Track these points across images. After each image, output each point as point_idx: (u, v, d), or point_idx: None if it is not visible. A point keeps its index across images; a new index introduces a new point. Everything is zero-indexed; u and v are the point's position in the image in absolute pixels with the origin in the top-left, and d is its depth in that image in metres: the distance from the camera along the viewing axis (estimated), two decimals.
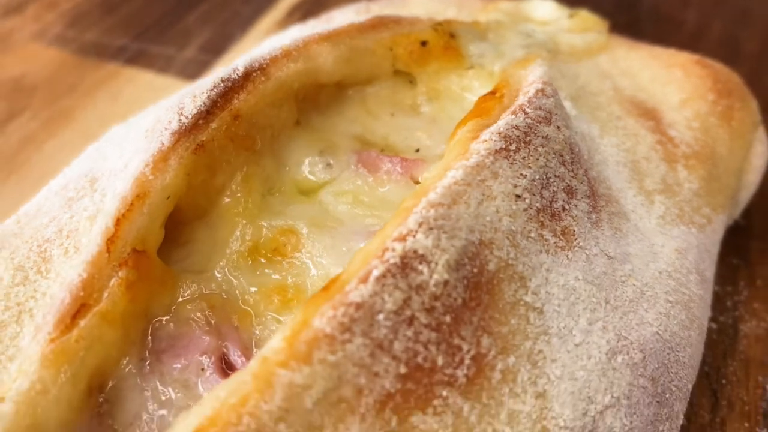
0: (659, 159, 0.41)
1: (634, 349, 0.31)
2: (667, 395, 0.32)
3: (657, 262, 0.35)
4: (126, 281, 0.30)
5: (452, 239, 0.28)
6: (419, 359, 0.27)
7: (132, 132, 0.39)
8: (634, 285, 0.33)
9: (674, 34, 0.51)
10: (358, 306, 0.26)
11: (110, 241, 0.30)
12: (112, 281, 0.30)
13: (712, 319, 0.46)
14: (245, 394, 0.25)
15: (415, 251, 0.28)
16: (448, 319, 0.27)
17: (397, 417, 0.26)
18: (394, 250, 0.28)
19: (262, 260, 0.34)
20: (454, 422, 0.27)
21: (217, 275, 0.33)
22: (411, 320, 0.27)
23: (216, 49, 0.68)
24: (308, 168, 0.38)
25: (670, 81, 0.46)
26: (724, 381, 0.43)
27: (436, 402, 0.27)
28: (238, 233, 0.35)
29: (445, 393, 0.27)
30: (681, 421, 0.34)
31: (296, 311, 0.28)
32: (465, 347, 0.28)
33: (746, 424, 0.41)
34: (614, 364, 0.30)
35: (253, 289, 0.33)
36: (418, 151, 0.39)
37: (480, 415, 0.27)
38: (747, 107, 0.47)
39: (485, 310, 0.29)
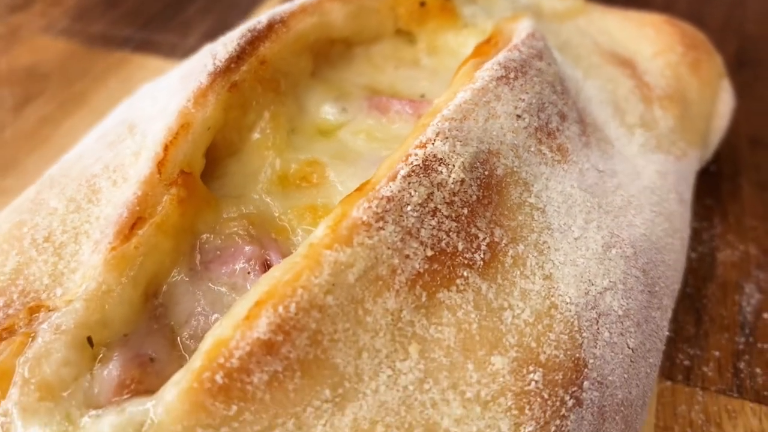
0: (637, 100, 0.46)
1: (626, 244, 0.35)
2: (657, 288, 0.36)
3: (641, 180, 0.40)
4: (177, 197, 0.33)
5: (465, 146, 0.33)
6: (443, 244, 0.31)
7: (163, 84, 0.43)
8: (622, 195, 0.38)
9: (643, 9, 0.56)
10: (389, 199, 0.30)
11: (160, 164, 0.34)
12: (164, 198, 0.33)
13: (692, 249, 0.51)
14: (298, 271, 0.29)
15: (434, 155, 0.32)
16: (465, 211, 0.32)
17: (426, 293, 0.30)
18: (416, 155, 0.32)
19: (292, 187, 0.38)
20: (475, 298, 0.31)
21: (254, 198, 0.37)
22: (434, 212, 0.31)
23: (218, 36, 0.72)
24: (325, 112, 0.42)
25: (643, 37, 0.51)
26: (705, 301, 0.48)
27: (458, 281, 0.31)
28: (268, 165, 0.38)
29: (465, 274, 0.31)
30: (669, 316, 0.38)
31: (334, 209, 0.31)
32: (481, 236, 0.32)
33: (726, 335, 0.46)
34: (609, 255, 0.34)
35: (286, 210, 0.36)
36: (423, 96, 0.44)
37: (496, 292, 0.31)
38: (712, 59, 0.53)
39: (496, 207, 0.33)
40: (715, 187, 0.56)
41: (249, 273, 0.34)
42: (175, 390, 0.27)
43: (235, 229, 0.35)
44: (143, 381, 0.29)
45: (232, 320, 0.28)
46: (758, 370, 0.44)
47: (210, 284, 0.33)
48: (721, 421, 0.41)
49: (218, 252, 0.34)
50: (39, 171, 0.43)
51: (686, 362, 0.44)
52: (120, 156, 0.38)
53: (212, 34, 0.73)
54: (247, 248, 0.34)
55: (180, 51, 0.70)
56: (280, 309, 0.28)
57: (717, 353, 0.45)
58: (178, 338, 0.32)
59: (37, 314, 0.31)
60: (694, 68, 0.51)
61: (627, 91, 0.46)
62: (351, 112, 0.42)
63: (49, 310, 0.31)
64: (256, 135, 0.39)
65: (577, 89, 0.43)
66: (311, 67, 0.43)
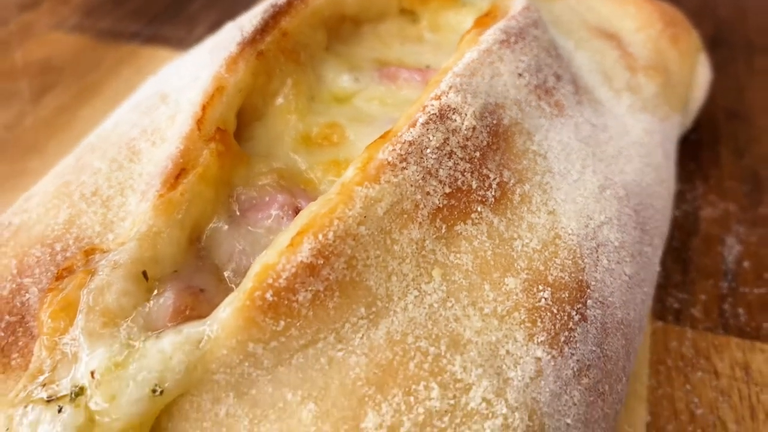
0: (623, 68, 0.50)
1: (618, 187, 0.39)
2: (647, 227, 0.40)
3: (629, 135, 0.44)
4: (215, 151, 0.37)
5: (475, 98, 0.37)
6: (458, 183, 0.35)
7: (189, 60, 0.46)
8: (613, 146, 0.42)
9: None
10: (411, 143, 0.34)
11: (199, 122, 0.37)
12: (204, 152, 0.37)
13: (677, 207, 0.55)
14: (333, 206, 0.32)
15: (448, 105, 0.36)
16: (477, 155, 0.35)
17: (445, 225, 0.34)
18: (432, 105, 0.36)
19: (315, 146, 0.41)
20: (488, 230, 0.35)
21: (281, 156, 0.40)
22: (450, 154, 0.35)
23: None
24: (340, 81, 0.45)
25: (625, 14, 0.56)
26: (690, 252, 0.52)
27: (473, 215, 0.35)
28: (292, 128, 0.42)
29: (479, 209, 0.35)
30: (659, 255, 0.42)
31: (361, 153, 0.35)
32: (491, 176, 0.36)
33: (711, 281, 0.50)
34: (605, 196, 0.38)
35: (312, 165, 0.40)
36: (428, 67, 0.47)
37: (507, 225, 0.35)
38: (690, 35, 0.57)
39: (503, 152, 0.37)
40: (696, 154, 0.60)
41: (282, 218, 0.37)
42: (229, 308, 0.30)
43: (267, 181, 0.38)
44: (196, 308, 0.33)
45: (277, 248, 0.32)
46: (741, 311, 0.48)
47: (248, 228, 0.37)
48: (710, 355, 0.45)
49: (253, 201, 0.38)
50: (61, 154, 0.46)
51: (676, 305, 0.48)
52: (156, 121, 0.41)
53: (218, 27, 0.76)
54: (279, 197, 0.38)
55: (187, 44, 0.73)
56: (320, 237, 0.31)
57: (703, 297, 0.49)
58: (223, 274, 0.35)
59: (92, 255, 0.35)
60: (673, 42, 0.55)
61: (613, 60, 0.50)
62: (363, 82, 0.46)
63: (104, 252, 0.35)
64: (279, 100, 0.42)
65: (569, 58, 0.47)
66: (326, 42, 0.47)
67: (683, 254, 0.52)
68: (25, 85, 0.67)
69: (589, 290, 0.34)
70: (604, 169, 0.40)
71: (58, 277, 0.34)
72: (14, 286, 0.34)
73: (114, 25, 0.77)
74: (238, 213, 0.37)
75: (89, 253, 0.35)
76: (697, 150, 0.61)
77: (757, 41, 0.76)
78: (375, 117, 0.43)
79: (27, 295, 0.34)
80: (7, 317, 0.34)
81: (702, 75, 0.57)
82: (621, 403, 0.35)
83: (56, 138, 0.61)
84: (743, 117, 0.65)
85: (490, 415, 0.30)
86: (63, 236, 0.36)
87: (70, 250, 0.36)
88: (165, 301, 0.33)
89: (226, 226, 0.37)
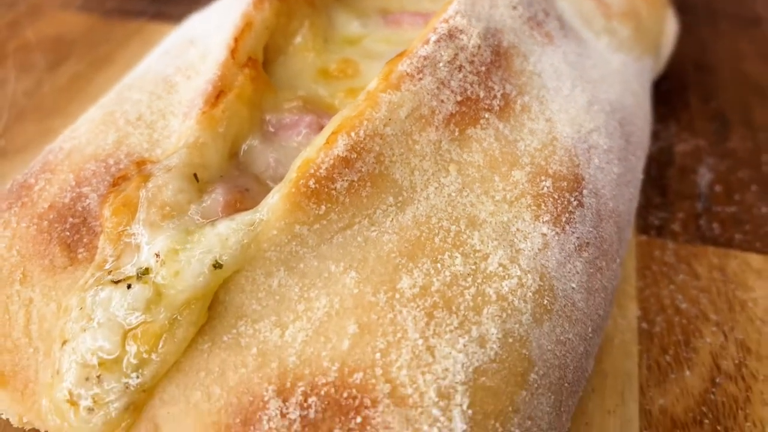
0: (599, 15, 0.56)
1: (604, 103, 0.45)
2: (631, 140, 0.46)
3: (609, 65, 0.50)
4: (249, 75, 0.41)
5: (479, 21, 0.42)
6: (468, 93, 0.40)
7: (212, 11, 0.51)
8: (597, 72, 0.47)
9: None
10: (425, 57, 0.39)
11: (233, 51, 0.42)
12: (239, 76, 0.41)
13: (653, 144, 0.61)
14: (362, 109, 0.37)
15: (456, 27, 0.41)
16: (483, 69, 0.40)
17: (458, 129, 0.39)
18: (442, 27, 0.41)
19: (333, 79, 0.46)
20: (495, 133, 0.39)
21: (303, 86, 0.45)
22: (460, 68, 0.40)
23: None
24: (350, 27, 0.50)
25: None
26: (667, 180, 0.58)
27: (482, 121, 0.40)
28: (311, 63, 0.47)
29: (486, 116, 0.40)
30: (641, 168, 0.48)
31: (382, 68, 0.40)
32: (496, 88, 0.41)
33: (687, 202, 0.55)
34: (593, 109, 0.44)
35: (332, 93, 0.45)
36: (428, 12, 0.52)
37: (511, 130, 0.40)
38: None
39: (505, 70, 0.42)
40: (668, 100, 0.66)
41: (310, 134, 0.42)
42: (277, 195, 0.35)
43: (294, 105, 0.43)
44: (243, 203, 0.37)
45: (315, 146, 0.36)
46: (715, 225, 0.53)
47: (281, 143, 0.41)
48: (690, 261, 0.50)
49: (283, 122, 0.42)
50: (82, 113, 0.50)
51: (657, 222, 0.54)
52: (188, 60, 0.45)
53: None
54: (306, 117, 0.42)
55: None
56: (352, 134, 0.36)
57: (681, 215, 0.54)
58: (263, 180, 0.39)
59: (144, 166, 0.39)
60: None
61: (591, 8, 0.56)
62: (371, 27, 0.51)
63: (154, 163, 0.39)
64: (298, 39, 0.47)
65: (553, 2, 0.53)
66: None
67: (661, 182, 0.57)
68: (40, 58, 0.70)
69: (584, 182, 0.39)
70: (591, 89, 0.45)
71: (115, 184, 0.38)
72: (74, 194, 0.38)
73: (120, 4, 0.81)
74: (270, 130, 0.42)
75: (141, 164, 0.39)
76: (669, 96, 0.67)
77: (720, 8, 0.83)
78: (384, 54, 0.48)
79: (87, 200, 0.38)
80: (70, 219, 0.38)
81: (670, 26, 0.63)
82: (617, 280, 0.40)
83: (76, 100, 0.65)
84: (709, 69, 0.71)
85: (507, 276, 0.34)
86: (114, 153, 0.40)
87: (122, 164, 0.40)
88: (216, 197, 0.37)
89: (261, 143, 0.41)
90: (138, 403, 0.33)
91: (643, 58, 0.56)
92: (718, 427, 0.40)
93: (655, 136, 0.61)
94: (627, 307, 0.47)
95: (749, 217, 0.54)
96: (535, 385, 0.32)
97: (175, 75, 0.45)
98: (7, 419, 0.38)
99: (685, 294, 0.48)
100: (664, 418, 0.41)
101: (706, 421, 0.40)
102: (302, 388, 0.31)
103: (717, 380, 0.43)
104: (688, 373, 0.43)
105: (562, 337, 0.34)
